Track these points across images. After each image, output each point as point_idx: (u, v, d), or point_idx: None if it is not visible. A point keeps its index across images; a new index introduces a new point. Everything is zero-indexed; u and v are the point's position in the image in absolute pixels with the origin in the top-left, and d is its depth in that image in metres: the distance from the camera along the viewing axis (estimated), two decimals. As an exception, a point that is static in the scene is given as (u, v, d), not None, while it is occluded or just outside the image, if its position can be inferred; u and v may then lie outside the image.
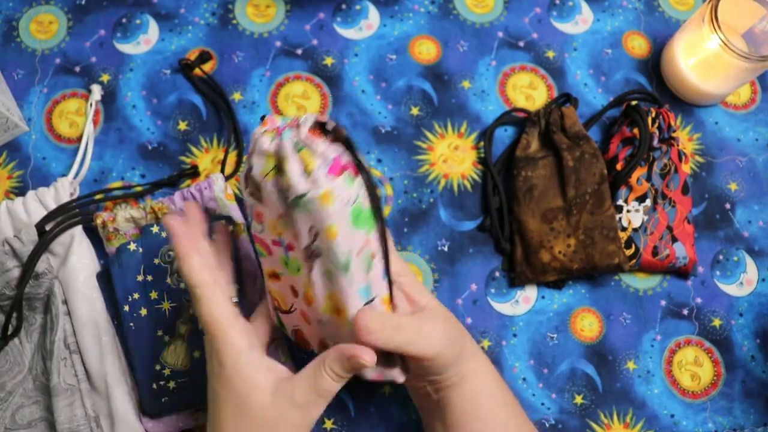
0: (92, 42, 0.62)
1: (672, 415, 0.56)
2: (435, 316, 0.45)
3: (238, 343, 0.40)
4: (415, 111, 0.62)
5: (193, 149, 0.60)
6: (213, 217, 0.54)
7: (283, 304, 0.45)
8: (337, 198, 0.37)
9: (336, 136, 0.38)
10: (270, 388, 0.40)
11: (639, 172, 0.58)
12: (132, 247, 0.52)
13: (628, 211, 0.58)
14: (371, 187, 0.39)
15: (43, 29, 0.63)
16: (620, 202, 0.58)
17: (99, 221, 0.53)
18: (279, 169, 0.38)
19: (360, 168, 0.38)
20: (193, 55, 0.62)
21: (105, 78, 0.61)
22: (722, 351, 0.58)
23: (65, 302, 0.52)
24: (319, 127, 0.38)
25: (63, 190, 0.54)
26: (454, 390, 0.45)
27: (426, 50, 0.64)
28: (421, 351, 0.42)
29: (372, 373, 0.42)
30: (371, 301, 0.42)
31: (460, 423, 0.45)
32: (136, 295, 0.52)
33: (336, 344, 0.41)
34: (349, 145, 0.38)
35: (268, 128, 0.39)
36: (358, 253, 0.39)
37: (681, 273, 0.59)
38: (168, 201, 0.54)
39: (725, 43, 0.55)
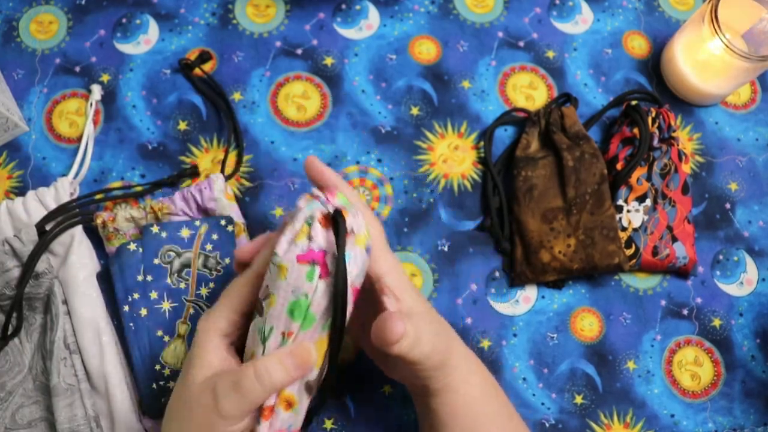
0: (92, 42, 0.62)
1: (672, 415, 0.56)
2: (423, 319, 0.42)
3: (215, 332, 0.40)
4: (415, 111, 0.62)
5: (193, 149, 0.60)
6: (212, 218, 0.54)
7: None
8: (288, 278, 0.37)
9: (339, 241, 0.37)
10: (211, 369, 0.38)
11: (639, 172, 0.58)
12: (132, 247, 0.52)
13: (628, 211, 0.58)
14: (337, 299, 0.37)
15: (43, 29, 0.63)
16: (620, 202, 0.58)
17: (99, 221, 0.53)
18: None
19: (335, 277, 0.37)
20: (193, 55, 0.62)
21: (105, 78, 0.61)
22: (722, 351, 0.58)
23: (65, 302, 0.52)
24: (334, 218, 0.38)
25: (63, 190, 0.54)
26: (434, 398, 0.44)
27: (426, 50, 0.64)
28: (409, 356, 0.40)
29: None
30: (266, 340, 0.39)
31: (444, 427, 0.45)
32: (136, 295, 0.52)
33: None
34: (341, 255, 0.37)
35: (317, 192, 0.39)
36: (281, 333, 0.38)
37: (681, 273, 0.59)
38: (168, 201, 0.54)
39: (725, 43, 0.55)
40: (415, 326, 0.40)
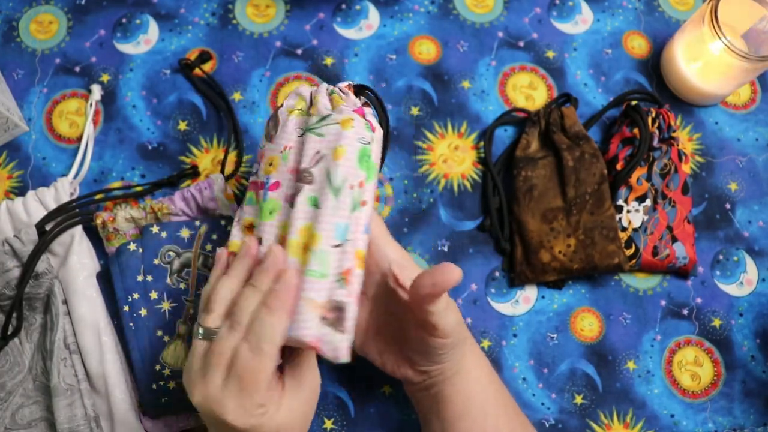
0: (92, 42, 0.62)
1: (672, 415, 0.56)
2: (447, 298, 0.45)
3: None
4: (415, 111, 0.62)
5: (193, 149, 0.60)
6: (212, 218, 0.54)
7: None
8: (355, 128, 0.42)
9: (367, 99, 0.45)
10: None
11: (639, 172, 0.58)
12: (132, 247, 0.52)
13: (628, 211, 0.58)
14: (383, 148, 0.43)
15: (43, 29, 0.63)
16: (620, 202, 0.58)
17: (99, 221, 0.53)
18: (308, 107, 0.44)
19: (379, 128, 0.44)
20: (193, 55, 0.62)
21: (105, 78, 0.61)
22: (722, 351, 0.58)
23: (65, 302, 0.52)
24: (356, 88, 0.45)
25: (63, 190, 0.54)
26: (450, 384, 0.45)
27: (426, 50, 0.64)
28: (441, 322, 0.41)
29: (312, 332, 0.39)
30: (342, 244, 0.40)
31: (453, 418, 0.45)
32: (136, 295, 0.52)
33: None
34: (378, 108, 0.46)
35: (311, 90, 0.45)
36: (351, 186, 0.41)
37: (681, 273, 0.58)
38: (168, 201, 0.54)
39: (725, 44, 0.55)
40: (447, 301, 0.42)
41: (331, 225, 0.40)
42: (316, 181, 0.41)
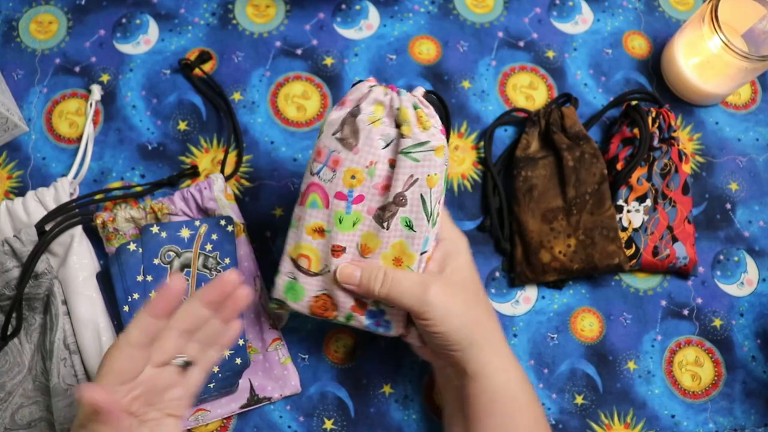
0: (92, 42, 0.62)
1: (672, 416, 0.56)
2: (454, 285, 0.45)
3: None
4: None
5: (193, 149, 0.60)
6: (212, 218, 0.54)
7: (314, 265, 0.46)
8: (445, 155, 0.45)
9: (438, 109, 0.47)
10: None
11: (639, 172, 0.58)
12: (132, 247, 0.52)
13: (628, 211, 0.58)
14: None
15: (43, 29, 0.62)
16: (620, 202, 0.58)
17: (99, 221, 0.53)
18: (396, 120, 0.45)
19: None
20: (192, 55, 0.62)
21: (105, 78, 0.61)
22: (723, 351, 0.57)
23: (65, 302, 0.52)
24: (426, 97, 0.47)
25: (63, 190, 0.54)
26: (472, 380, 0.45)
27: (426, 50, 0.64)
28: (415, 306, 0.43)
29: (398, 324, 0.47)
30: (423, 253, 0.46)
31: (476, 417, 0.45)
32: (136, 295, 0.51)
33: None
34: (444, 116, 0.49)
35: (377, 84, 0.46)
36: (438, 203, 0.46)
37: (681, 273, 0.58)
38: (168, 201, 0.54)
39: (726, 43, 0.55)
40: (445, 287, 0.44)
41: (421, 241, 0.45)
42: (409, 203, 0.45)
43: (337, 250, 0.45)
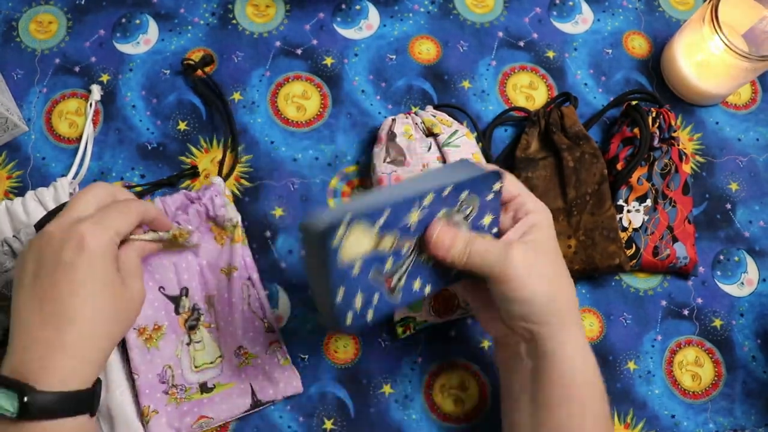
0: (92, 42, 0.62)
1: (673, 416, 0.56)
2: (538, 250, 0.43)
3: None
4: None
5: (193, 149, 0.60)
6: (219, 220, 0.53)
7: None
8: (473, 137, 0.56)
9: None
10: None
11: (639, 172, 0.58)
12: None
13: (628, 211, 0.57)
14: None
15: (43, 29, 0.62)
16: (621, 202, 0.58)
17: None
18: (424, 130, 0.55)
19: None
20: (194, 55, 0.62)
21: (105, 78, 0.61)
22: (723, 351, 0.57)
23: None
24: (435, 108, 0.58)
25: (62, 190, 0.54)
26: (550, 361, 0.42)
27: (426, 50, 0.64)
28: (496, 267, 0.41)
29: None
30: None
31: (548, 403, 0.42)
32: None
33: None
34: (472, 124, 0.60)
35: (392, 116, 0.56)
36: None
37: (681, 273, 0.58)
38: (184, 223, 0.53)
39: (726, 43, 0.55)
40: (527, 253, 0.42)
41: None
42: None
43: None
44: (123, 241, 0.44)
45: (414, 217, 0.40)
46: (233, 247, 0.54)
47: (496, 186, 0.43)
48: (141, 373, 0.50)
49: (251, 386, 0.52)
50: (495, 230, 0.45)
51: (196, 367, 0.52)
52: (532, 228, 0.44)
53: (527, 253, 0.42)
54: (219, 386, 0.52)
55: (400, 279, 0.42)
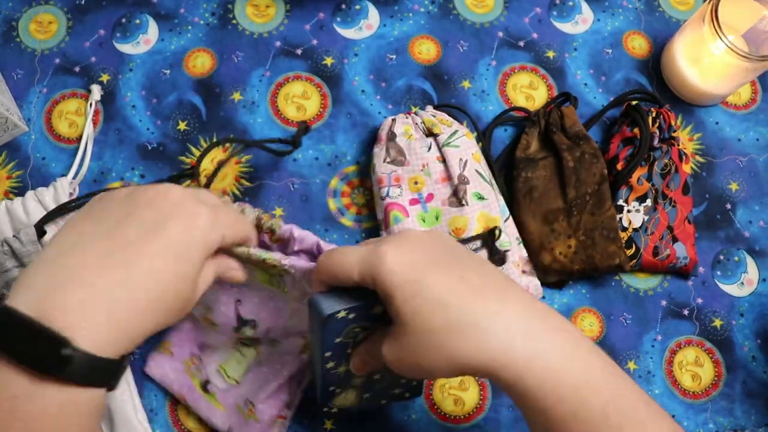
0: (92, 42, 0.62)
1: (673, 416, 0.56)
2: (410, 238, 0.37)
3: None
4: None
5: (193, 149, 0.60)
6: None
7: None
8: (473, 137, 0.57)
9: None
10: None
11: (639, 172, 0.58)
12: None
13: (628, 211, 0.57)
14: None
15: (43, 29, 0.62)
16: (621, 202, 0.58)
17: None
18: (424, 130, 0.56)
19: None
20: (195, 56, 0.62)
21: (105, 78, 0.61)
22: (723, 351, 0.57)
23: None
24: (435, 108, 0.58)
25: (62, 190, 0.54)
26: (520, 399, 0.33)
27: (426, 50, 0.64)
28: (366, 273, 0.35)
29: None
30: (507, 219, 0.54)
31: (558, 420, 0.33)
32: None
33: None
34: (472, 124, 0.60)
35: (392, 117, 0.57)
36: (490, 175, 0.55)
37: (681, 273, 0.58)
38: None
39: (726, 43, 0.55)
40: (371, 243, 0.37)
41: (498, 207, 0.54)
42: (471, 180, 0.53)
43: None
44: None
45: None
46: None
47: (377, 309, 0.38)
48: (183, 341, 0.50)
49: (231, 426, 0.51)
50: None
51: (221, 367, 0.52)
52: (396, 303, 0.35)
53: (400, 244, 0.36)
54: (212, 397, 0.51)
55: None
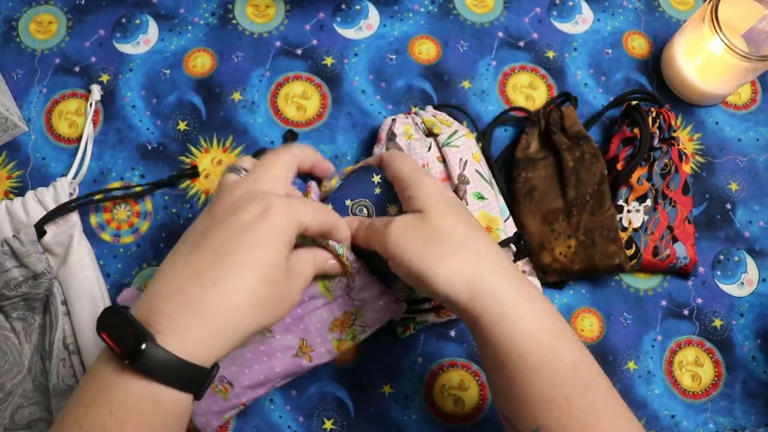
0: (92, 42, 0.62)
1: (673, 416, 0.56)
2: (415, 226, 0.42)
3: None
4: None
5: (193, 149, 0.60)
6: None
7: None
8: (473, 137, 0.56)
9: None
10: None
11: (639, 172, 0.58)
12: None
13: (628, 211, 0.57)
14: None
15: (43, 29, 0.62)
16: (621, 202, 0.58)
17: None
18: (424, 130, 0.56)
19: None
20: (195, 56, 0.62)
21: (105, 78, 0.61)
22: (723, 351, 0.57)
23: (65, 302, 0.52)
24: (435, 108, 0.59)
25: (62, 190, 0.54)
26: (475, 331, 0.40)
27: (426, 50, 0.64)
28: (384, 250, 0.42)
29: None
30: (507, 220, 0.54)
31: (489, 374, 0.41)
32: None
33: None
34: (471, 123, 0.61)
35: (392, 117, 0.57)
36: (490, 175, 0.55)
37: (682, 273, 0.58)
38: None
39: (726, 43, 0.55)
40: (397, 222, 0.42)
41: (498, 207, 0.54)
42: (472, 180, 0.53)
43: None
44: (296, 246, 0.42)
45: None
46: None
47: (376, 178, 0.44)
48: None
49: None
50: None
51: None
52: (417, 204, 0.43)
53: (405, 229, 0.42)
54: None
55: None
